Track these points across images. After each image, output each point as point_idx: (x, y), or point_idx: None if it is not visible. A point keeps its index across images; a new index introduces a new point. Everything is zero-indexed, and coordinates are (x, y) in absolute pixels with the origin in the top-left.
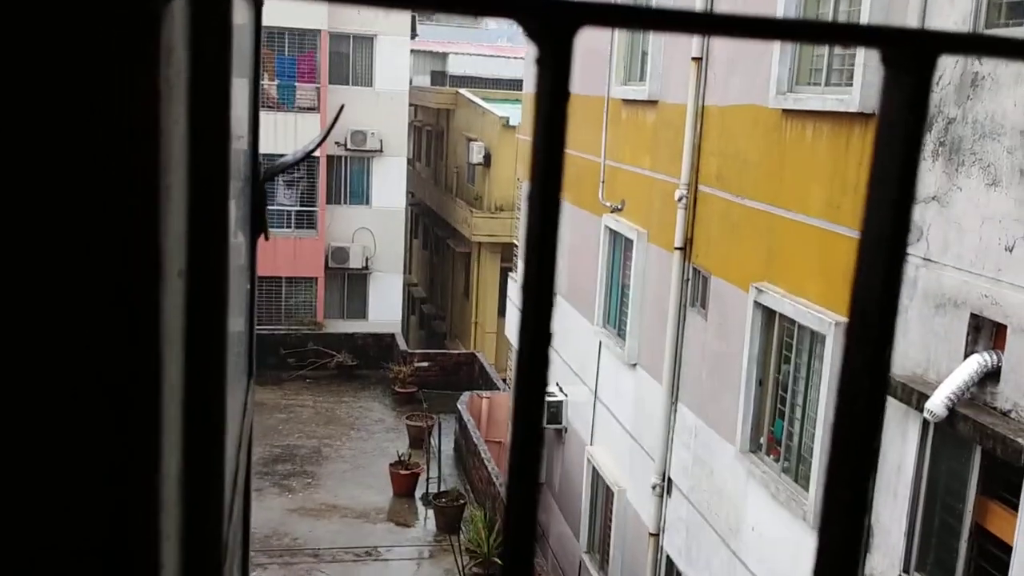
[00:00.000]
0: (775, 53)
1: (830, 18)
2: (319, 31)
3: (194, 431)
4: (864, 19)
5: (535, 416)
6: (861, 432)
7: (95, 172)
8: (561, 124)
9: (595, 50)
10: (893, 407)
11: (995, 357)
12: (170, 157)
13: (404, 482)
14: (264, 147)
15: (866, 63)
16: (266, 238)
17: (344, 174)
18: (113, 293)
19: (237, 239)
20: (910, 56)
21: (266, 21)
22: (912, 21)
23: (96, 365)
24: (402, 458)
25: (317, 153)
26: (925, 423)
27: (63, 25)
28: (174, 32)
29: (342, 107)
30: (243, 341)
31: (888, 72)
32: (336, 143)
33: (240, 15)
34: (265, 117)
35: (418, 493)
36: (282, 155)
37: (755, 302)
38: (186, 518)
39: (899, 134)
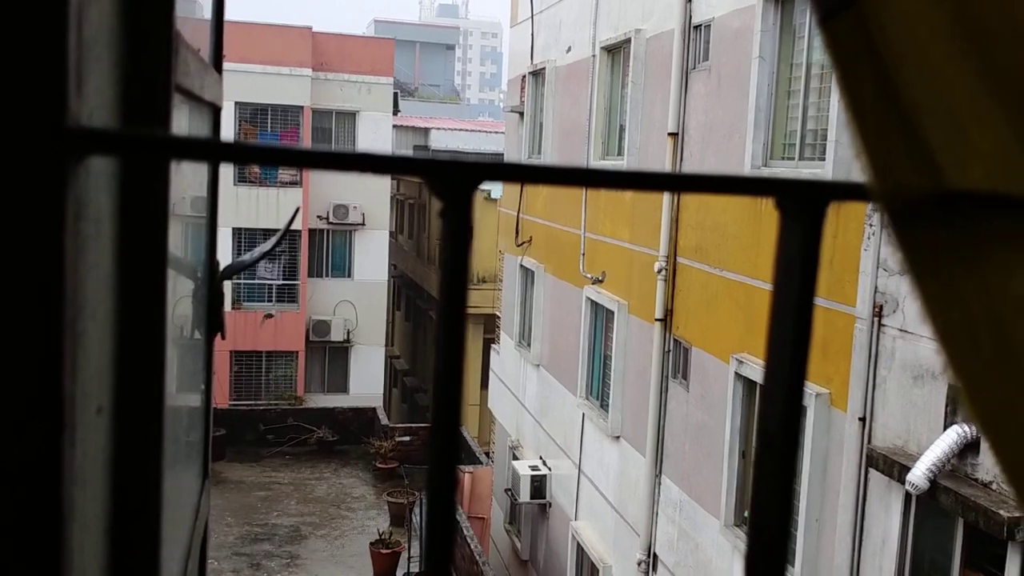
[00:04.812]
0: (749, 128)
1: (801, 108)
2: (302, 107)
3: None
4: (833, 107)
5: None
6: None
7: None
8: (463, 271)
9: (574, 124)
10: (876, 479)
11: (974, 428)
12: (84, 303)
13: (385, 562)
14: (247, 222)
15: (838, 139)
16: (222, 337)
17: (326, 247)
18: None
19: (193, 339)
20: (802, 204)
21: (250, 98)
22: None
23: None
24: (383, 537)
25: (299, 227)
26: (908, 496)
27: None
28: (90, 186)
29: (297, 209)
30: (198, 443)
31: (782, 219)
32: (318, 217)
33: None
34: (248, 192)
35: (400, 573)
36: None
37: (736, 373)
38: None
39: (795, 278)
